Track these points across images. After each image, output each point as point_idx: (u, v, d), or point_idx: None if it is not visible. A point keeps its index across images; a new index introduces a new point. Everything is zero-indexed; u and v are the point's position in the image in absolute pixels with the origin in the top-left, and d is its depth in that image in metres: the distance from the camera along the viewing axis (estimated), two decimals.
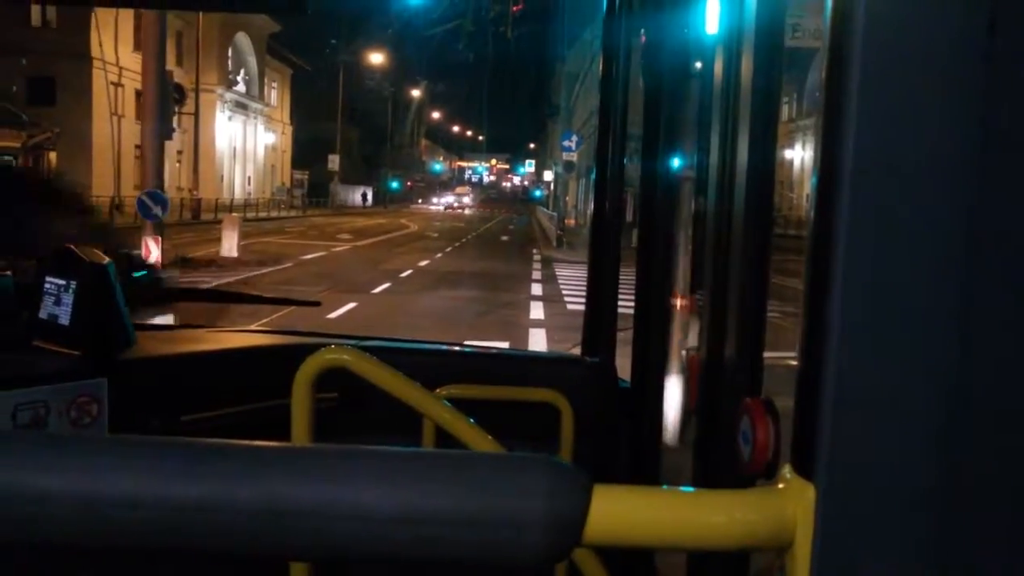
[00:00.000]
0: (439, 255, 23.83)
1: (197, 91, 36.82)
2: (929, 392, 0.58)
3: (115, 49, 37.29)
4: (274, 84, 59.69)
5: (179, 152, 44.18)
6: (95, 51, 35.59)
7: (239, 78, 50.80)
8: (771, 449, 0.96)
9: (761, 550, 0.62)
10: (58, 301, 1.89)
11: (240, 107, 50.99)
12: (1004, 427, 0.59)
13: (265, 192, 56.54)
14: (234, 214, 19.23)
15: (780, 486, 0.62)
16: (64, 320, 1.88)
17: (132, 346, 1.97)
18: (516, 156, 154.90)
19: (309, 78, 64.21)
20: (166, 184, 38.65)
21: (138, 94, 41.36)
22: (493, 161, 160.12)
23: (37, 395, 1.73)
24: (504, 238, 35.96)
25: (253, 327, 3.32)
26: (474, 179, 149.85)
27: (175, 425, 1.94)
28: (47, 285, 1.92)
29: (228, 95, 48.22)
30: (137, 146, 41.53)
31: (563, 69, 63.89)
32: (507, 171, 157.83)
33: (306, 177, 64.81)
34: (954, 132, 0.57)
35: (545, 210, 67.23)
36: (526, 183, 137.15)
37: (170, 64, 43.47)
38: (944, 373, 0.58)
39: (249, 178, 53.48)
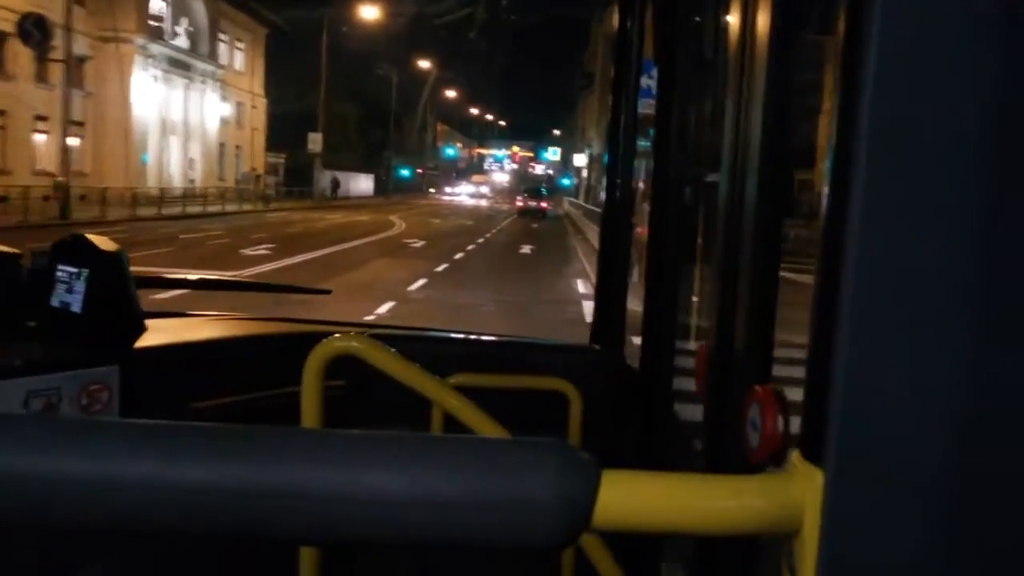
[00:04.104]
0: (390, 305, 11.67)
1: (68, 31, 24.63)
2: (940, 377, 0.58)
3: None
4: (239, 44, 47.55)
5: (79, 124, 32.31)
6: None
7: (179, 29, 38.71)
8: (780, 437, 0.95)
9: (769, 535, 0.63)
10: (70, 288, 1.89)
11: (179, 67, 38.71)
12: (1016, 412, 0.59)
13: (226, 179, 44.64)
14: None
15: (789, 471, 0.62)
16: (76, 307, 1.88)
17: (142, 333, 1.97)
18: (540, 143, 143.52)
19: (291, 43, 52.10)
20: (54, 167, 25.16)
21: None
22: (515, 148, 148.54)
23: (49, 382, 1.75)
24: (525, 250, 23.60)
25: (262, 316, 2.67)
26: (494, 167, 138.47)
27: (185, 412, 1.95)
28: (59, 272, 1.91)
29: (156, 48, 35.92)
30: None
31: (600, 30, 53.74)
32: (530, 159, 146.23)
33: (283, 161, 52.81)
34: (972, 119, 0.57)
35: (575, 200, 56.24)
36: (550, 172, 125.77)
37: None
38: (956, 358, 0.58)
39: (192, 160, 41.30)
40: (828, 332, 0.59)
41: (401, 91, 75.71)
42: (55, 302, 1.90)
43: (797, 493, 0.60)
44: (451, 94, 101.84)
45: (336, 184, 52.17)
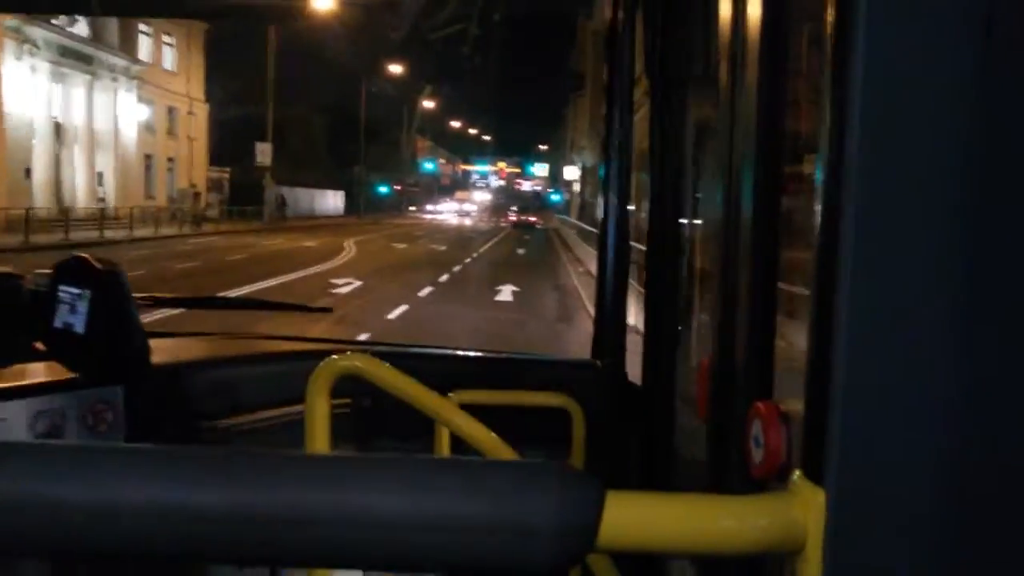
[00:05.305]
0: None
1: None
2: (938, 397, 0.59)
3: None
4: (168, 38, 40.41)
5: None
6: None
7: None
8: (783, 453, 0.96)
9: (773, 555, 0.64)
10: (73, 309, 1.91)
11: (76, 58, 31.46)
12: (1013, 429, 0.59)
13: (157, 197, 37.39)
14: None
15: (791, 491, 0.63)
16: (79, 328, 1.88)
17: (147, 353, 1.98)
18: (526, 159, 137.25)
19: (246, 41, 45.01)
20: None
21: None
22: (501, 164, 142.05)
23: (54, 403, 1.76)
24: (505, 295, 16.51)
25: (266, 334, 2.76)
26: (480, 183, 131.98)
27: (190, 431, 1.96)
28: (61, 294, 1.92)
29: (37, 32, 28.61)
30: None
31: (589, 27, 47.83)
32: (517, 175, 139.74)
33: (226, 177, 45.58)
34: (955, 133, 0.58)
35: (567, 218, 49.62)
36: (538, 188, 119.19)
37: None
38: (953, 377, 0.59)
39: (100, 174, 33.84)
40: (826, 353, 0.60)
41: (385, 105, 68.95)
42: (58, 323, 1.89)
43: (799, 513, 0.60)
44: (436, 108, 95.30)
45: (282, 202, 44.81)
